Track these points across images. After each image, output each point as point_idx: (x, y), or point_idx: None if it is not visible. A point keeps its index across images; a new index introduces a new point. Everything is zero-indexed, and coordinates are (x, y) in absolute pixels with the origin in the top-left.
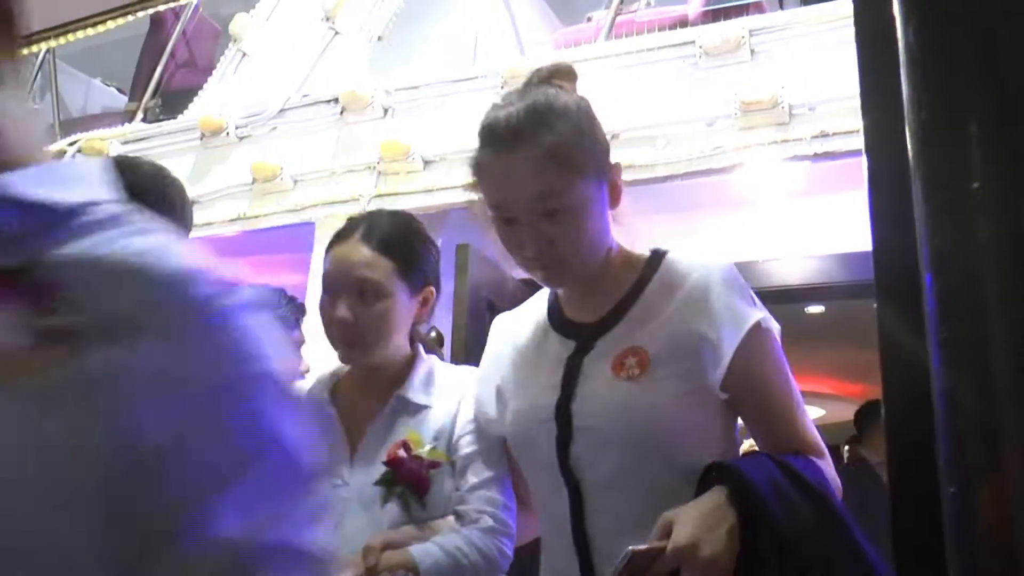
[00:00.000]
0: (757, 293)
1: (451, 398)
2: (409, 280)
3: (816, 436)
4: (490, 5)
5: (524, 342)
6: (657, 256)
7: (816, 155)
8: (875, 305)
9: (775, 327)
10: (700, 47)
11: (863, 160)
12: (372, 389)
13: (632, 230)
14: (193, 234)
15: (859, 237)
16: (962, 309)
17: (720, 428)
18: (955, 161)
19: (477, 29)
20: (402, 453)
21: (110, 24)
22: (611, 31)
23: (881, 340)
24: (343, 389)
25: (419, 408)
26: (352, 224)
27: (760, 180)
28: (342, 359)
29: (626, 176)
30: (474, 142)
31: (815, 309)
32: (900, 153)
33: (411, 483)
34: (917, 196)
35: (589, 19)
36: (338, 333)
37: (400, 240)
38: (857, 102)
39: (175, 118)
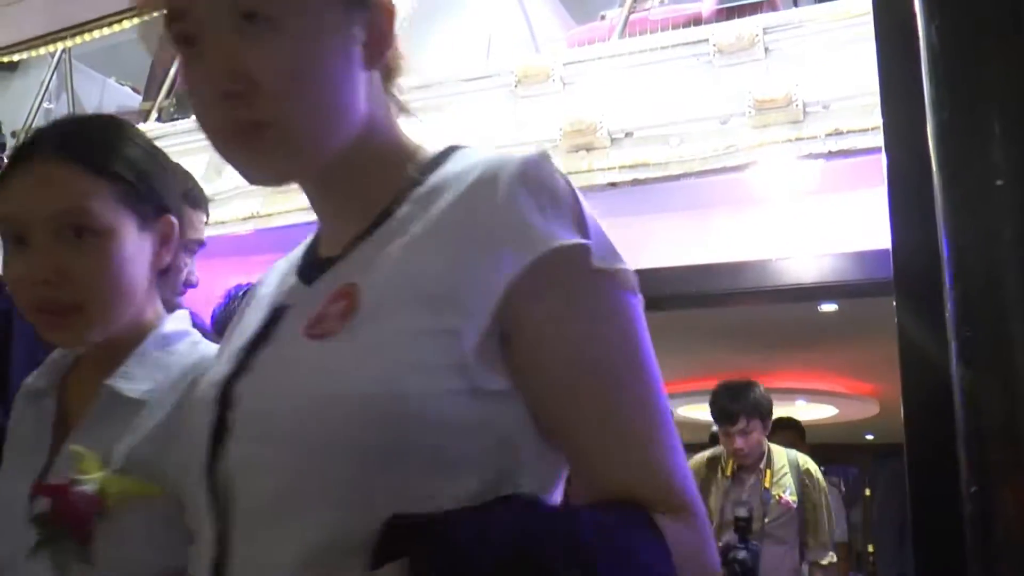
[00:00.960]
0: (771, 291)
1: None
2: (137, 207)
3: (682, 477)
4: (504, 3)
5: (261, 293)
6: (447, 152)
7: (830, 153)
8: (893, 303)
9: (619, 272)
10: (714, 45)
11: (882, 157)
12: (101, 375)
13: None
14: (207, 233)
15: (873, 235)
16: (983, 308)
17: (490, 428)
18: (977, 160)
19: (491, 27)
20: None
21: (125, 24)
22: (625, 29)
23: (900, 338)
24: (80, 373)
25: (132, 404)
26: (35, 136)
27: (774, 178)
28: (48, 338)
29: (640, 175)
30: (488, 140)
31: (828, 307)
32: (919, 150)
33: (69, 526)
34: (938, 195)
35: (603, 17)
36: (35, 299)
37: (113, 149)
38: (872, 100)
39: (189, 117)
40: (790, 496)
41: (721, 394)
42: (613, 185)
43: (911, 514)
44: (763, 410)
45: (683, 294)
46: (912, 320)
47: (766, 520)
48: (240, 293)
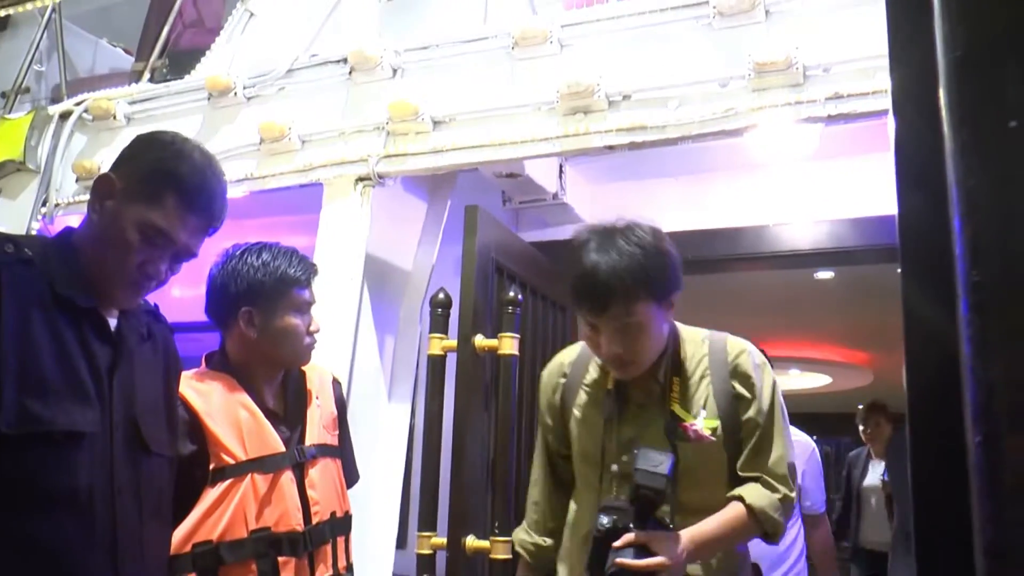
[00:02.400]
0: (767, 257)
1: None
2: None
3: None
4: None
5: None
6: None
7: (830, 117)
8: (897, 270)
9: None
10: (714, 7)
11: (889, 121)
12: None
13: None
14: None
15: (871, 201)
16: (994, 251)
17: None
18: (991, 100)
19: None
20: None
21: None
22: None
23: (905, 309)
24: None
25: None
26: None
27: (773, 143)
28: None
29: (637, 138)
30: (485, 102)
31: (825, 275)
32: (929, 114)
33: None
34: (949, 136)
35: None
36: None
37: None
38: (872, 63)
39: (182, 78)
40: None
41: None
42: (610, 148)
43: (911, 467)
44: None
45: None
46: (917, 289)
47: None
48: (237, 252)
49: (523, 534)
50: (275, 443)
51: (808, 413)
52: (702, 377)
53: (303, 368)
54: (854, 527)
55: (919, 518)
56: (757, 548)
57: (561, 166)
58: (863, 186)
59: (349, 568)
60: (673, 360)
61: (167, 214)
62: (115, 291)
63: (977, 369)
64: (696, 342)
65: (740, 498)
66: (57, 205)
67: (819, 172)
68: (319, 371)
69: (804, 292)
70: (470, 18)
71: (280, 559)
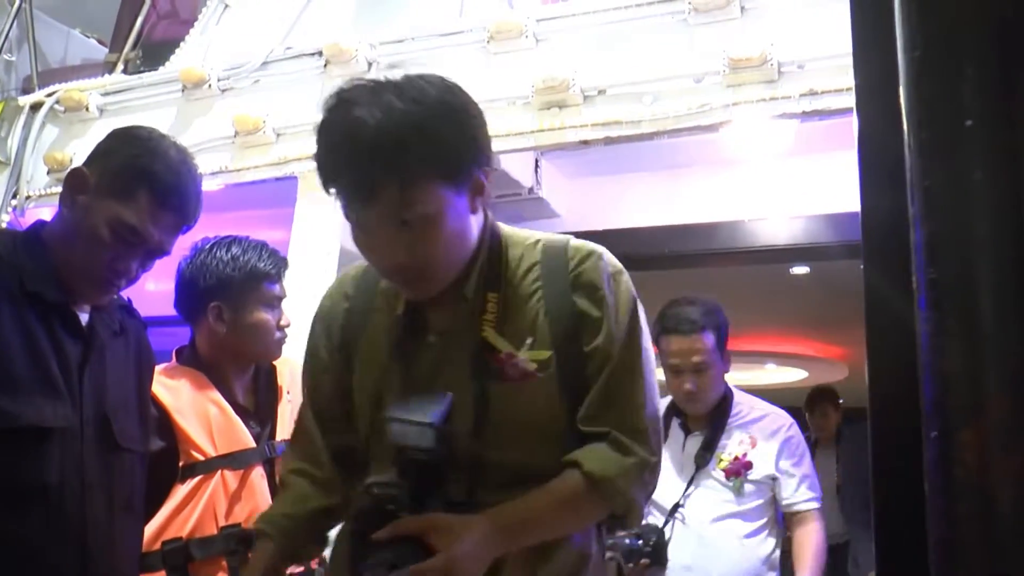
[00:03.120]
0: (743, 253)
1: None
2: None
3: None
4: None
5: None
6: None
7: (804, 113)
8: (861, 266)
9: None
10: (689, 3)
11: (853, 119)
12: None
13: None
14: None
15: (846, 197)
16: (950, 250)
17: None
18: (948, 99)
19: None
20: None
21: None
22: None
23: (867, 304)
24: None
25: None
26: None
27: (748, 138)
28: None
29: (612, 132)
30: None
31: (800, 270)
32: (892, 113)
33: None
34: (908, 136)
35: None
36: None
37: None
38: (846, 60)
39: (156, 70)
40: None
41: None
42: (585, 143)
43: (872, 460)
44: None
45: (655, 255)
46: (880, 283)
47: None
48: (206, 246)
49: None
50: (245, 439)
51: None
52: (532, 292)
53: (274, 363)
54: None
55: (879, 510)
56: (706, 560)
57: (537, 160)
58: (838, 182)
59: (322, 562)
60: (489, 269)
61: (140, 211)
62: (85, 287)
63: (933, 365)
64: (526, 246)
65: (576, 463)
66: (28, 197)
67: (794, 168)
68: (291, 365)
69: (780, 287)
70: (446, 12)
71: (250, 555)
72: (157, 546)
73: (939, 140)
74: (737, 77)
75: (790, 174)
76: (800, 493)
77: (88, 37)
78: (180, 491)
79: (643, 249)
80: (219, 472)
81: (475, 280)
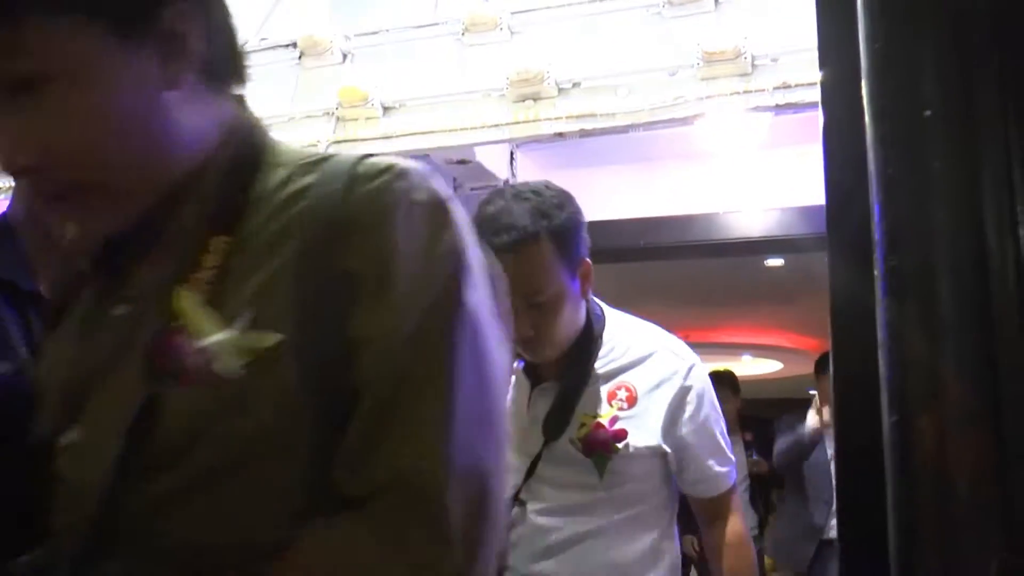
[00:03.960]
0: (718, 246)
1: None
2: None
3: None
4: None
5: None
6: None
7: (778, 106)
8: (826, 257)
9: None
10: None
11: (819, 113)
12: None
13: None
14: None
15: (820, 190)
16: (910, 238)
17: None
18: (907, 90)
19: None
20: None
21: None
22: None
23: (832, 294)
24: None
25: None
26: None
27: (722, 131)
28: None
29: (587, 125)
30: (435, 88)
31: (775, 262)
32: (856, 107)
33: None
34: (869, 126)
35: None
36: None
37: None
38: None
39: None
40: None
41: None
42: (560, 135)
43: (837, 447)
44: None
45: (629, 247)
46: (844, 275)
47: None
48: None
49: None
50: None
51: (760, 399)
52: (280, 237)
53: None
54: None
55: (842, 496)
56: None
57: (512, 153)
58: (812, 175)
59: None
60: (225, 189)
61: None
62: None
63: (892, 351)
64: (299, 165)
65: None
66: (2, 190)
67: (768, 161)
68: None
69: (754, 279)
70: (420, 4)
71: None
72: None
73: (899, 130)
74: (711, 70)
75: (764, 167)
76: (708, 471)
77: None
78: None
79: (618, 241)
80: None
81: (191, 209)
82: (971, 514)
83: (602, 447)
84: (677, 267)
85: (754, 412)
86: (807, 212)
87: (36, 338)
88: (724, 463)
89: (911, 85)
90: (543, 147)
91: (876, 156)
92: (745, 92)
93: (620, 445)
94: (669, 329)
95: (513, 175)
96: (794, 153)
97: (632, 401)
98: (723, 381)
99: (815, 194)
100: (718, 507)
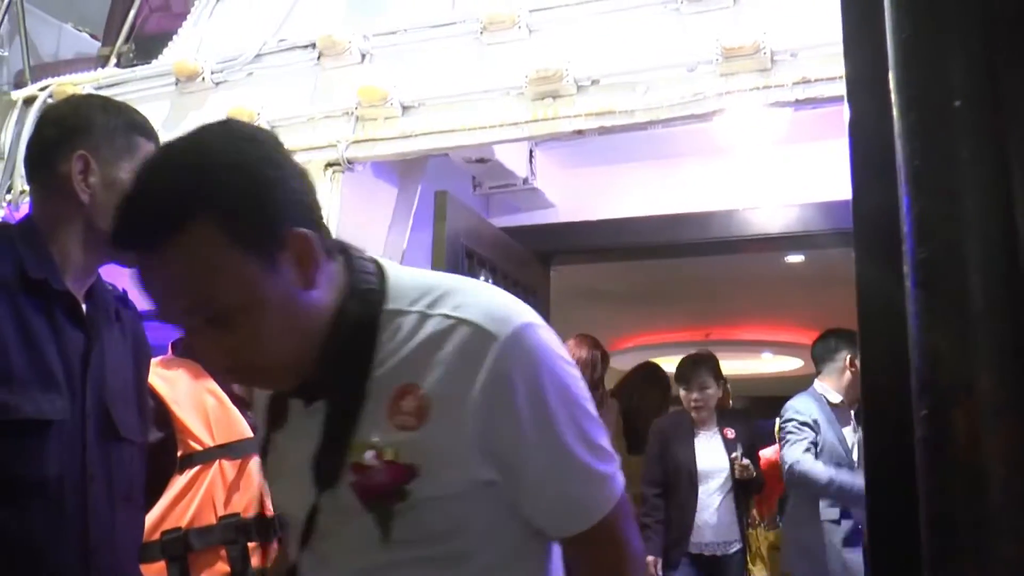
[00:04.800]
0: (737, 241)
1: None
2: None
3: None
4: None
5: None
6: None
7: (798, 101)
8: (853, 254)
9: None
10: None
11: (844, 108)
12: None
13: None
14: None
15: (840, 185)
16: (939, 229)
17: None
18: (937, 80)
19: None
20: None
21: None
22: None
23: (859, 289)
24: None
25: None
26: None
27: (741, 127)
28: None
29: (606, 122)
30: (453, 87)
31: (795, 258)
32: (882, 101)
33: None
34: (897, 117)
35: None
36: None
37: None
38: (840, 48)
39: (149, 63)
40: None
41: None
42: (579, 133)
43: (864, 444)
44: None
45: (649, 244)
46: (872, 274)
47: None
48: None
49: None
50: (242, 429)
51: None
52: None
53: None
54: (677, 523)
55: (872, 491)
56: None
57: (531, 151)
58: (832, 170)
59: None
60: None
61: (147, 154)
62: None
63: (923, 344)
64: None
65: None
66: (23, 192)
67: (788, 156)
68: None
69: (775, 276)
70: (438, 3)
71: (249, 545)
72: (156, 536)
73: (928, 120)
74: (730, 66)
75: (784, 162)
76: (564, 499)
77: (80, 31)
78: (178, 481)
79: (637, 239)
80: (217, 462)
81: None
82: (1004, 505)
83: (380, 496)
84: (697, 264)
85: (775, 411)
86: (827, 208)
87: (63, 336)
88: (592, 479)
89: (940, 75)
90: (562, 145)
91: (904, 147)
92: (765, 88)
93: (409, 488)
94: (690, 327)
95: (532, 173)
96: (814, 148)
97: (422, 414)
98: (701, 364)
99: (835, 189)
100: (590, 546)
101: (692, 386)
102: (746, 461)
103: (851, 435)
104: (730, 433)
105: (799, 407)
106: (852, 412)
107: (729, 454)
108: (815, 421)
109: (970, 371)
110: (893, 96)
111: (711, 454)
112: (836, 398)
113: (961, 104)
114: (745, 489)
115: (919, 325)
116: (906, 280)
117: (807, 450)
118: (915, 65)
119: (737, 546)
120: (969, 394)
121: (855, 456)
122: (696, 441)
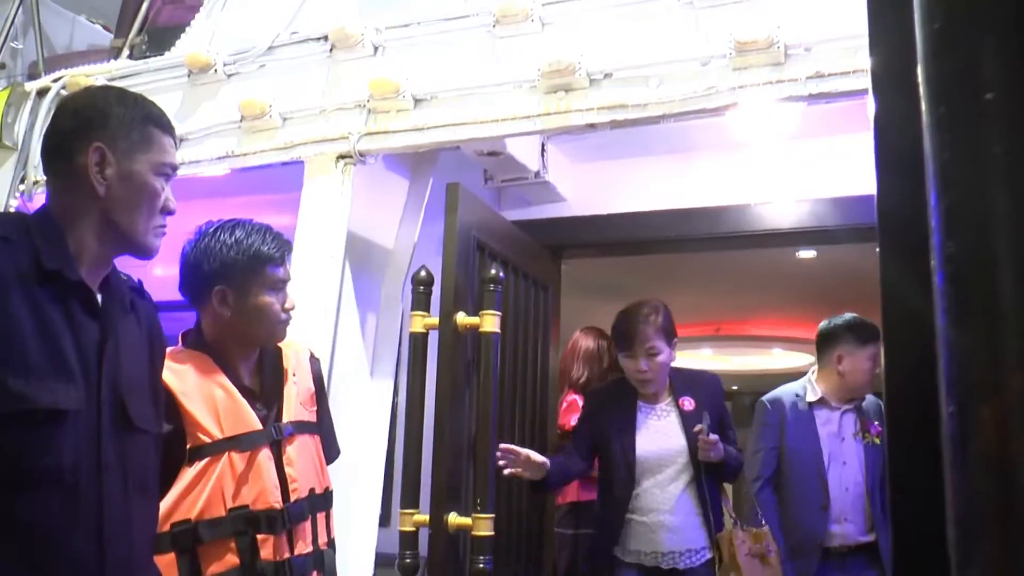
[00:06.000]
0: (749, 236)
1: None
2: None
3: None
4: None
5: None
6: None
7: (811, 96)
8: (877, 250)
9: None
10: None
11: (869, 101)
12: None
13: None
14: (181, 172)
15: (854, 181)
16: (968, 223)
17: None
18: (968, 71)
19: None
20: None
21: None
22: None
23: (883, 286)
24: None
25: None
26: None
27: (754, 122)
28: None
29: (618, 116)
30: (466, 80)
31: (807, 254)
32: (909, 94)
33: None
34: (925, 109)
35: None
36: None
37: None
38: (854, 42)
39: (162, 55)
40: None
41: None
42: (592, 126)
43: (887, 441)
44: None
45: (661, 238)
46: (896, 272)
47: None
48: (210, 230)
49: None
50: (252, 421)
51: None
52: None
53: (279, 345)
54: (610, 523)
55: (895, 490)
56: None
57: (543, 145)
58: (845, 166)
59: (330, 543)
60: None
61: (163, 147)
62: (147, 244)
63: (951, 339)
64: None
65: None
66: (36, 183)
67: (801, 151)
68: (296, 347)
69: (786, 271)
70: None
71: (259, 537)
72: (166, 528)
73: (958, 113)
74: (743, 60)
75: (796, 157)
76: None
77: (93, 23)
78: (188, 473)
79: (649, 233)
80: (226, 454)
81: None
82: None
83: None
84: (708, 258)
85: None
86: (840, 203)
87: (78, 326)
88: None
89: (972, 67)
90: (574, 139)
91: (932, 141)
92: (778, 82)
93: None
94: (700, 322)
95: (544, 167)
96: (827, 143)
97: None
98: (645, 320)
99: (848, 185)
100: None
101: (636, 351)
102: (714, 437)
103: (834, 438)
104: (688, 403)
105: (771, 401)
106: (843, 412)
107: (688, 431)
108: (781, 420)
109: (999, 367)
110: (921, 88)
111: (662, 435)
112: (814, 395)
113: (993, 97)
114: (715, 476)
115: (947, 321)
116: (933, 275)
117: (758, 478)
118: (945, 56)
119: (705, 555)
120: (998, 390)
121: (838, 458)
122: (639, 418)
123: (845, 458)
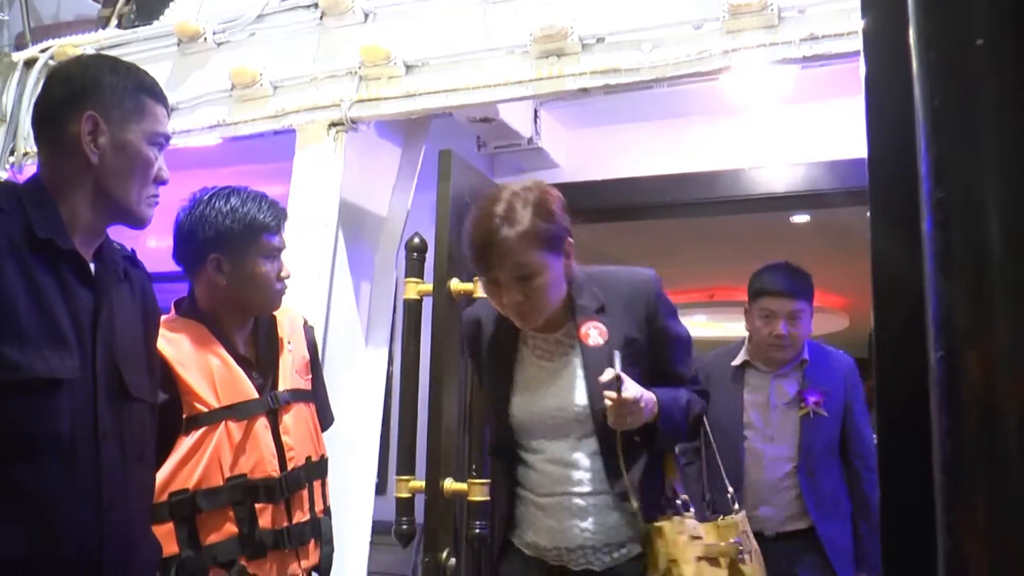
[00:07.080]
0: (743, 201)
1: None
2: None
3: None
4: None
5: None
6: None
7: (805, 58)
8: (868, 214)
9: None
10: None
11: (860, 63)
12: None
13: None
14: (172, 142)
15: (847, 144)
16: (957, 170)
17: None
18: (959, 17)
19: None
20: None
21: None
22: None
23: (873, 252)
24: None
25: None
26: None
27: (748, 85)
28: None
29: (611, 80)
30: (457, 46)
31: (800, 218)
32: (900, 47)
33: None
34: (915, 55)
35: None
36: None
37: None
38: (847, 4)
39: (150, 24)
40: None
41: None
42: (584, 91)
43: (876, 391)
44: None
45: (655, 203)
46: (887, 234)
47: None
48: (204, 197)
49: None
50: (248, 390)
51: None
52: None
53: (274, 313)
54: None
55: (883, 439)
56: None
57: (536, 111)
58: (838, 129)
59: (326, 511)
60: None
61: (156, 117)
62: (139, 213)
63: (939, 286)
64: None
65: None
66: (26, 154)
67: (794, 115)
68: (290, 315)
69: (780, 236)
70: None
71: (257, 506)
72: (164, 498)
73: (948, 59)
74: (737, 23)
75: (790, 121)
76: None
77: None
78: (185, 443)
79: (643, 198)
80: (223, 423)
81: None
82: (1018, 446)
83: None
84: (702, 223)
85: None
86: (834, 167)
87: (72, 295)
88: None
89: (962, 12)
90: (567, 104)
91: (922, 87)
92: (771, 44)
93: None
94: (694, 288)
95: (537, 133)
96: (820, 107)
97: None
98: (511, 241)
99: (841, 148)
100: None
101: (499, 279)
102: (631, 392)
103: (759, 408)
104: (592, 334)
105: (707, 357)
106: (775, 377)
107: (592, 381)
108: (706, 381)
109: (987, 312)
110: (911, 34)
111: (554, 382)
112: (741, 358)
113: (983, 43)
114: (638, 442)
115: (935, 267)
116: (922, 222)
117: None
118: (935, 1)
119: (632, 550)
120: (986, 336)
121: (762, 432)
122: (519, 361)
123: (772, 432)
